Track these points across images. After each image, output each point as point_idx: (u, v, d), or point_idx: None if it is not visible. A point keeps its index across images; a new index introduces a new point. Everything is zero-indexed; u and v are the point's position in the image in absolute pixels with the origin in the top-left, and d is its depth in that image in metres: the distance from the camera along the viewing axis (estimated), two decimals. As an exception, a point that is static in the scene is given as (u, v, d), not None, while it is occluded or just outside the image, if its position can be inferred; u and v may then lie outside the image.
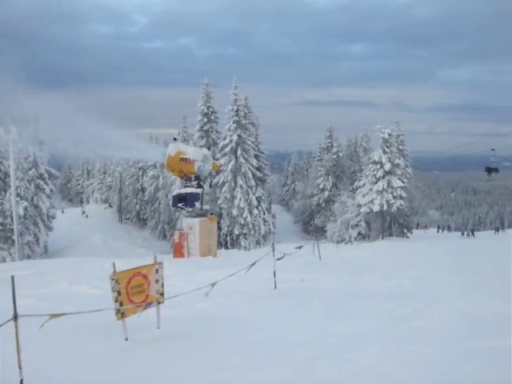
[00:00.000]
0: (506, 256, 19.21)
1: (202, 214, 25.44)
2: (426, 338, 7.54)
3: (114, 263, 7.28)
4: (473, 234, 48.88)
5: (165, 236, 57.49)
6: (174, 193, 27.57)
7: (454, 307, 9.67)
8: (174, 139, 27.31)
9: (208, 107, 47.52)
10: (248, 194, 44.37)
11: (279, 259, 15.17)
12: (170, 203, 26.56)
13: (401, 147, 47.65)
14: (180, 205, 25.85)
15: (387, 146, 36.58)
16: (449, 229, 77.00)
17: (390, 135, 37.32)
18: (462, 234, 49.75)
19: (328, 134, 66.01)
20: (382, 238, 36.66)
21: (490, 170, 37.53)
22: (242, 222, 43.74)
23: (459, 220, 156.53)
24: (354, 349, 7.06)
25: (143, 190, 64.34)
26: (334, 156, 60.99)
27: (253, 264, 12.15)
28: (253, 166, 46.40)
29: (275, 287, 12.67)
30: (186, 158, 24.86)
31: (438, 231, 72.29)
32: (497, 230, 77.60)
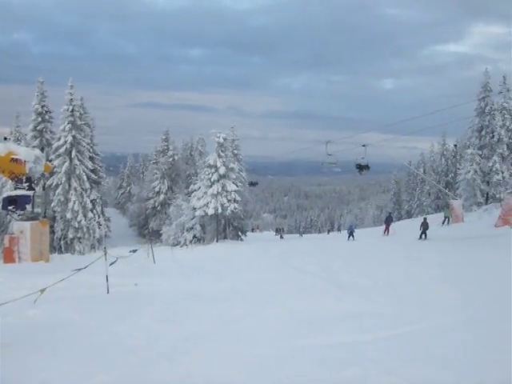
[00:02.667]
0: (335, 257, 20.60)
1: (33, 217, 24.84)
2: (257, 338, 7.83)
3: None
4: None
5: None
6: (4, 195, 26.83)
7: (284, 308, 10.06)
8: (5, 139, 26.56)
9: (42, 106, 45.86)
10: (82, 197, 43.78)
11: (112, 263, 15.53)
12: (0, 206, 25.83)
13: (236, 151, 49.32)
14: (10, 208, 25.18)
15: (222, 150, 37.90)
16: (282, 231, 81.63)
17: (225, 139, 38.59)
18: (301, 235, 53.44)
19: (164, 137, 66.08)
20: (217, 241, 37.71)
21: (360, 168, 38.37)
22: (77, 226, 43.00)
23: (292, 223, 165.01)
24: (186, 351, 7.19)
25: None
26: (170, 159, 61.61)
27: (81, 268, 12.12)
28: (88, 168, 45.75)
29: (108, 292, 12.49)
30: (16, 159, 24.17)
31: (276, 234, 75.91)
32: (328, 231, 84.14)
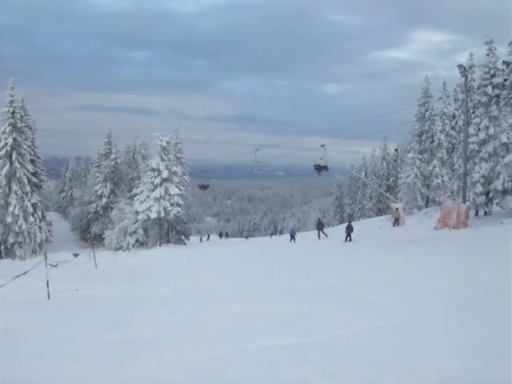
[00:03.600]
0: (277, 260, 20.94)
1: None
2: (199, 342, 7.85)
3: None
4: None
5: None
6: None
7: (226, 311, 10.05)
8: None
9: (-19, 108, 44.43)
10: (23, 201, 42.44)
11: (53, 266, 15.16)
12: None
13: (179, 155, 49.09)
14: None
15: (165, 154, 37.58)
16: (227, 235, 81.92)
17: (168, 143, 38.29)
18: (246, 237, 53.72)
19: (107, 140, 65.09)
20: (160, 245, 37.42)
21: (319, 168, 38.55)
22: (17, 230, 41.64)
23: (235, 227, 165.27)
24: (128, 356, 7.15)
25: None
26: (113, 162, 60.69)
27: (21, 274, 11.91)
28: (28, 172, 44.36)
29: (48, 298, 12.29)
30: None
31: (220, 237, 76.22)
32: (271, 235, 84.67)
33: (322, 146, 38.16)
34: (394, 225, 39.82)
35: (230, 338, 8.01)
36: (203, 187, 52.53)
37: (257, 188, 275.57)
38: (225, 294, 12.46)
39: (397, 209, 41.40)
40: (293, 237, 39.31)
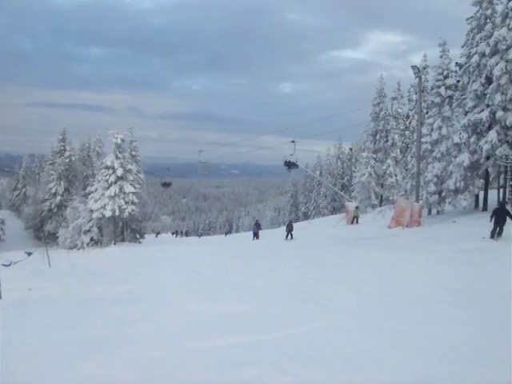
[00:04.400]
0: (232, 259, 20.75)
1: None
2: (154, 341, 7.77)
3: None
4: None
5: None
6: None
7: (181, 310, 9.96)
8: None
9: None
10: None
11: (6, 266, 14.79)
12: None
13: (134, 153, 48.49)
14: None
15: (120, 152, 37.00)
16: (182, 233, 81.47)
17: (123, 140, 37.75)
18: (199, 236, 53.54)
19: (61, 138, 63.54)
20: (115, 244, 36.90)
21: (289, 165, 38.48)
22: (-31, 229, 40.61)
23: (190, 225, 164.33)
24: (80, 356, 7.03)
25: None
26: (67, 160, 59.39)
27: None
28: (-20, 169, 43.34)
29: (0, 297, 12.15)
30: None
31: (176, 236, 75.76)
32: (226, 233, 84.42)
33: (293, 141, 38.20)
34: (352, 223, 40.28)
35: (184, 337, 7.94)
36: (166, 185, 52.02)
37: (212, 186, 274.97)
38: (180, 292, 12.34)
39: (357, 207, 41.86)
40: (255, 234, 39.30)
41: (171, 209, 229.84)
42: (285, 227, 33.97)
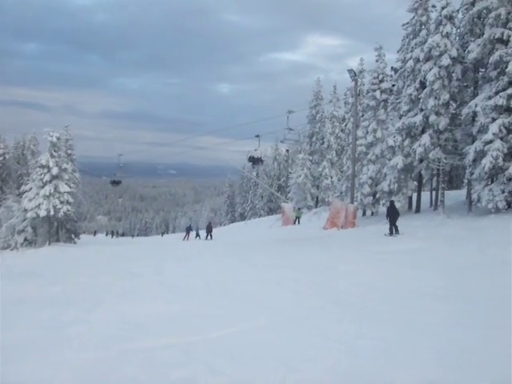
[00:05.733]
0: (167, 259, 20.37)
1: None
2: (87, 343, 7.54)
3: None
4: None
5: None
6: None
7: (114, 311, 9.71)
8: None
9: None
10: None
11: None
12: None
13: (69, 151, 47.20)
14: None
15: (55, 150, 35.75)
16: (118, 234, 79.82)
17: (58, 139, 36.50)
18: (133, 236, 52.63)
19: (-6, 135, 61.58)
20: (49, 244, 35.64)
21: (253, 160, 38.32)
22: None
23: (127, 225, 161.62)
24: (11, 359, 6.78)
25: None
26: (0, 158, 57.24)
27: None
28: None
29: None
30: None
31: (112, 237, 74.17)
32: (162, 234, 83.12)
33: (257, 136, 38.13)
34: (294, 223, 40.44)
35: (117, 339, 7.68)
36: (115, 183, 50.89)
37: (149, 186, 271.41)
38: (114, 293, 11.98)
39: (299, 208, 42.00)
40: (197, 234, 40.70)
41: (107, 209, 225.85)
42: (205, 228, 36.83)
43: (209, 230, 36.69)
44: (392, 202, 23.91)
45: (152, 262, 19.02)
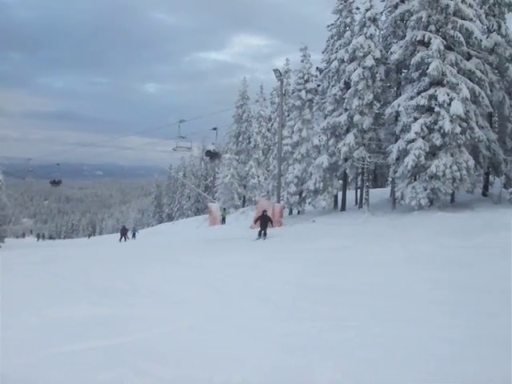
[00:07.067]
0: (93, 261, 19.21)
1: None
2: (10, 348, 7.01)
3: None
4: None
5: None
6: None
7: (37, 314, 9.15)
8: None
9: None
10: None
11: None
12: None
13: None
14: None
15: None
16: (43, 237, 77.50)
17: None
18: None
19: None
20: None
21: (211, 155, 38.38)
22: None
23: (53, 228, 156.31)
24: None
25: None
26: None
27: None
28: None
29: None
30: None
31: (38, 239, 71.93)
32: (89, 236, 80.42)
33: (214, 129, 37.18)
34: (222, 223, 39.95)
35: (41, 343, 7.18)
36: (55, 183, 48.89)
37: (75, 188, 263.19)
38: (37, 296, 11.18)
39: (224, 209, 41.48)
40: (134, 235, 41.23)
41: (32, 211, 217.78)
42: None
43: (123, 233, 38.53)
44: (265, 211, 24.78)
45: (78, 264, 17.90)
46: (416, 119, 22.78)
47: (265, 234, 23.09)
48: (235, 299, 10.34)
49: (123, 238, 39.07)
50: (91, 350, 6.80)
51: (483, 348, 6.05)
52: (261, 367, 5.86)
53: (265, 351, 6.46)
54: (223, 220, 40.88)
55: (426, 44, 23.24)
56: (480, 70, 23.81)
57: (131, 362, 6.17)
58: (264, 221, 23.34)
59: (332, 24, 31.26)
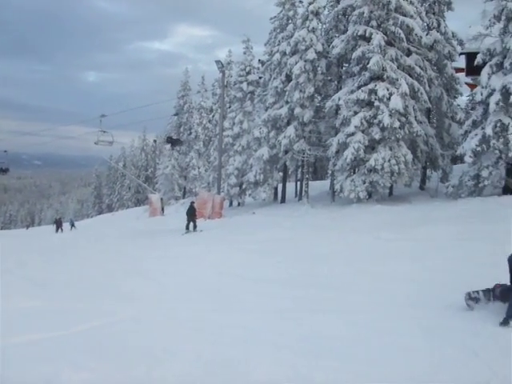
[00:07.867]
0: (33, 253, 18.29)
1: None
2: None
3: None
4: None
5: None
6: None
7: None
8: None
9: None
10: None
11: None
12: None
13: None
14: None
15: None
16: None
17: None
18: None
19: None
20: None
21: (172, 142, 38.25)
22: None
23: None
24: None
25: None
26: None
27: None
28: None
29: None
30: None
31: None
32: (27, 227, 77.53)
33: (176, 115, 37.56)
34: (161, 214, 39.29)
35: None
36: (2, 171, 46.96)
37: (13, 178, 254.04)
38: None
39: (161, 199, 40.70)
40: (73, 225, 40.59)
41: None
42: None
43: (58, 225, 38.26)
44: (192, 202, 23.88)
45: (15, 255, 17.12)
46: (356, 113, 22.70)
47: (194, 226, 22.21)
48: (175, 291, 10.11)
49: (59, 229, 38.25)
50: (28, 344, 6.49)
51: (417, 339, 6.07)
52: (198, 359, 5.71)
53: (203, 342, 6.31)
54: (163, 210, 40.27)
55: (367, 39, 23.18)
56: (419, 66, 23.98)
57: (69, 356, 5.88)
58: (190, 212, 22.43)
59: (275, 17, 30.89)
